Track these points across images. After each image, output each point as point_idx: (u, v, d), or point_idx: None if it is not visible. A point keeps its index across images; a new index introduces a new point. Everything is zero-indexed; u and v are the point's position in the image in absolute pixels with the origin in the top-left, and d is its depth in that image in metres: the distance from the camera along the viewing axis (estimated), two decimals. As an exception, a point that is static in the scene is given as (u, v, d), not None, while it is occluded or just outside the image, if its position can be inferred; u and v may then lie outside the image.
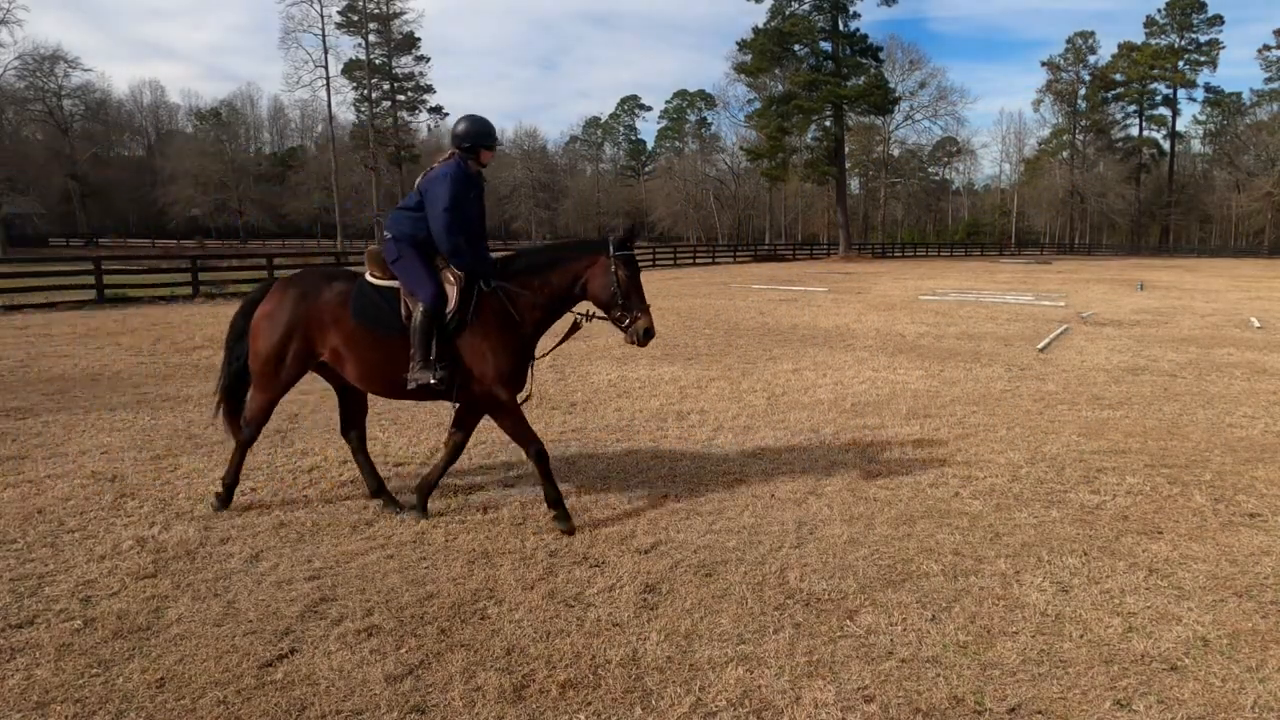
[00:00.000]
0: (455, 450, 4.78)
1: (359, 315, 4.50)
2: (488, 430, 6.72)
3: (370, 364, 4.52)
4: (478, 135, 4.56)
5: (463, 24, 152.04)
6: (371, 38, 63.52)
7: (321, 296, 4.59)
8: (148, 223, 76.63)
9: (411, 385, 4.41)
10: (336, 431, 6.59)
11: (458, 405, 4.71)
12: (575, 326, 4.75)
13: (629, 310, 4.50)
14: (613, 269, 4.48)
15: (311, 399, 7.92)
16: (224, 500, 4.76)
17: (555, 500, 4.56)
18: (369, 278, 4.63)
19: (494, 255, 4.75)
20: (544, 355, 4.84)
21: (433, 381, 4.34)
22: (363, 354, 4.51)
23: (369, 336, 4.49)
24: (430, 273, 4.43)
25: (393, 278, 4.55)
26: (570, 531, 4.47)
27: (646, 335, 4.51)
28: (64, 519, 4.59)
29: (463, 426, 4.79)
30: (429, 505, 4.74)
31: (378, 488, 4.87)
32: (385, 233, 4.60)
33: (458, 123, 4.62)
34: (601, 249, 4.55)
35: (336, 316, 4.53)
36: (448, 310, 4.40)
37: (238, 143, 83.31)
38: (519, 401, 4.63)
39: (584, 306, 4.66)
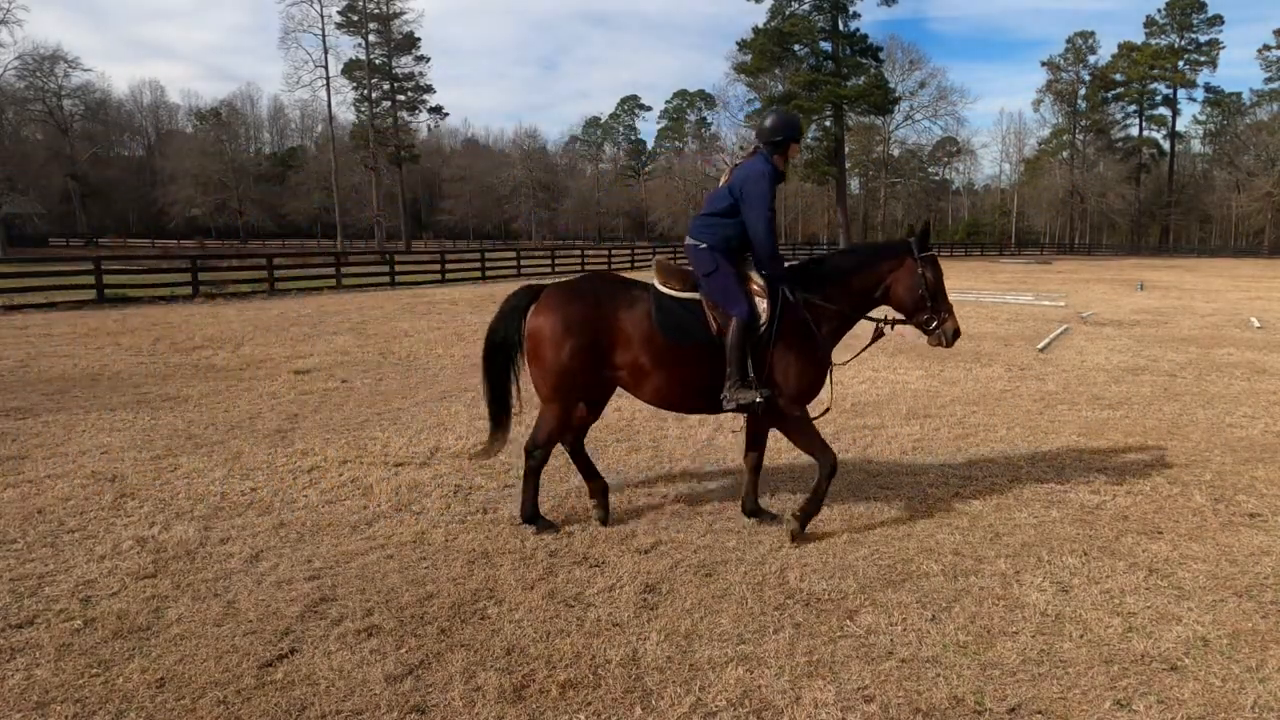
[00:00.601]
0: (757, 466, 4.71)
1: (667, 330, 4.26)
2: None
3: (675, 381, 4.32)
4: (789, 129, 4.39)
5: (463, 24, 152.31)
6: (371, 38, 63.45)
7: (620, 311, 4.33)
8: (148, 223, 76.66)
9: (731, 406, 4.23)
10: (337, 431, 6.60)
11: (748, 425, 4.65)
12: (878, 334, 4.66)
13: (936, 312, 4.43)
14: (920, 271, 4.40)
15: (312, 399, 7.93)
16: (544, 525, 4.50)
17: (806, 517, 4.39)
18: (665, 290, 4.39)
19: (788, 262, 4.59)
20: (846, 363, 4.69)
21: (758, 400, 4.20)
22: (669, 371, 4.29)
23: (678, 353, 4.27)
24: (743, 286, 4.27)
25: (692, 289, 4.36)
26: (794, 539, 4.36)
27: (955, 336, 4.47)
28: (64, 519, 4.59)
29: (758, 444, 4.68)
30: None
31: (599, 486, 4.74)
32: (694, 240, 4.36)
33: (765, 117, 4.46)
34: (905, 251, 4.44)
35: (645, 333, 4.27)
36: (761, 325, 4.25)
37: (238, 143, 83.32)
38: (821, 414, 4.58)
39: (877, 311, 4.60)
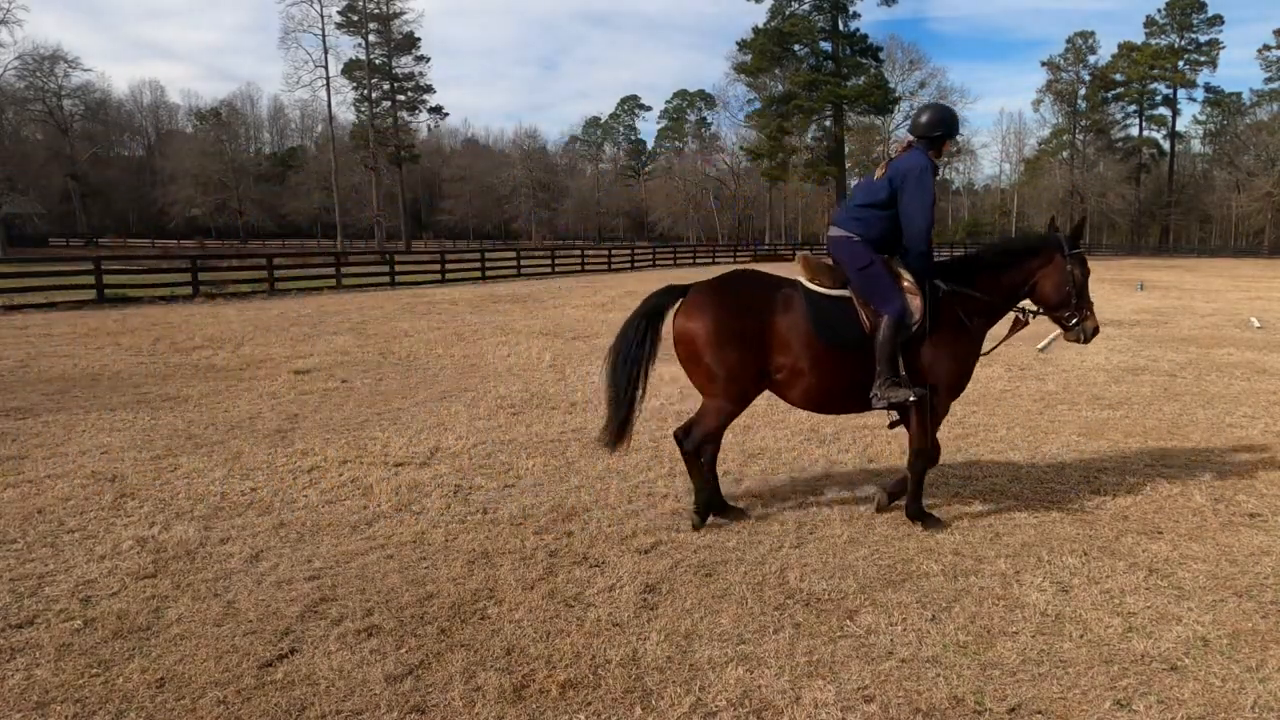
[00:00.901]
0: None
1: (823, 332, 4.20)
2: (486, 430, 6.72)
3: (829, 381, 4.26)
4: (947, 125, 4.35)
5: (463, 24, 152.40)
6: (371, 38, 63.51)
7: (776, 313, 4.25)
8: (148, 223, 76.73)
9: (881, 404, 4.23)
10: (337, 431, 6.61)
11: (894, 421, 4.62)
12: (1020, 323, 4.69)
13: (1079, 310, 4.48)
14: (1069, 269, 4.42)
15: (312, 399, 7.93)
16: (734, 510, 4.56)
17: (917, 513, 4.54)
18: (815, 288, 4.33)
19: (938, 257, 4.56)
20: (988, 352, 4.76)
21: (912, 399, 4.18)
22: (825, 373, 4.23)
23: (834, 355, 4.21)
24: (895, 282, 4.22)
25: (840, 287, 4.30)
26: (936, 526, 4.50)
27: (1094, 333, 4.54)
28: (64, 519, 4.59)
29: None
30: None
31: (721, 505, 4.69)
32: (845, 232, 4.29)
33: (921, 112, 4.41)
34: (1055, 248, 4.46)
35: (803, 337, 4.20)
36: (914, 322, 4.21)
37: (238, 143, 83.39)
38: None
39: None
